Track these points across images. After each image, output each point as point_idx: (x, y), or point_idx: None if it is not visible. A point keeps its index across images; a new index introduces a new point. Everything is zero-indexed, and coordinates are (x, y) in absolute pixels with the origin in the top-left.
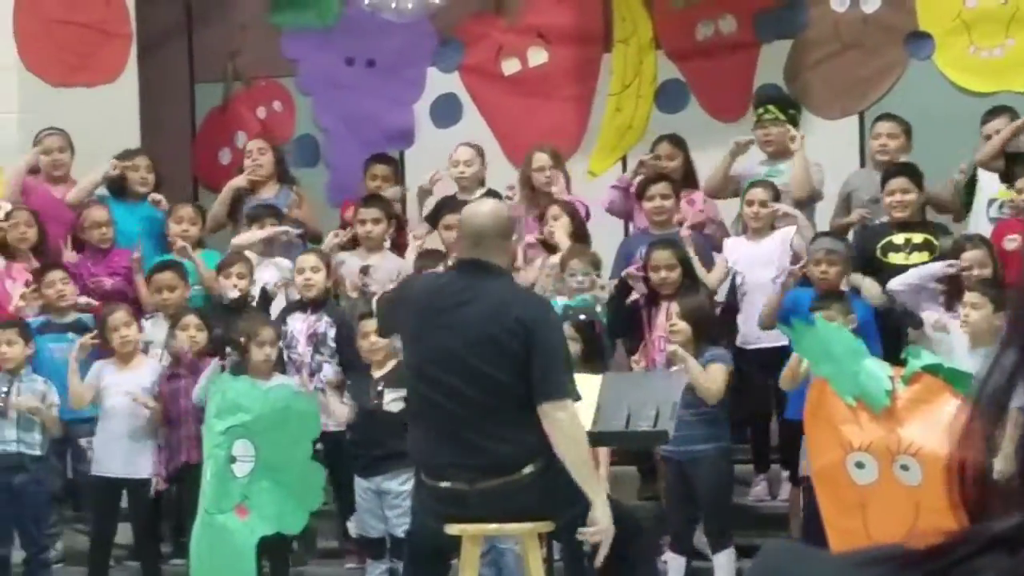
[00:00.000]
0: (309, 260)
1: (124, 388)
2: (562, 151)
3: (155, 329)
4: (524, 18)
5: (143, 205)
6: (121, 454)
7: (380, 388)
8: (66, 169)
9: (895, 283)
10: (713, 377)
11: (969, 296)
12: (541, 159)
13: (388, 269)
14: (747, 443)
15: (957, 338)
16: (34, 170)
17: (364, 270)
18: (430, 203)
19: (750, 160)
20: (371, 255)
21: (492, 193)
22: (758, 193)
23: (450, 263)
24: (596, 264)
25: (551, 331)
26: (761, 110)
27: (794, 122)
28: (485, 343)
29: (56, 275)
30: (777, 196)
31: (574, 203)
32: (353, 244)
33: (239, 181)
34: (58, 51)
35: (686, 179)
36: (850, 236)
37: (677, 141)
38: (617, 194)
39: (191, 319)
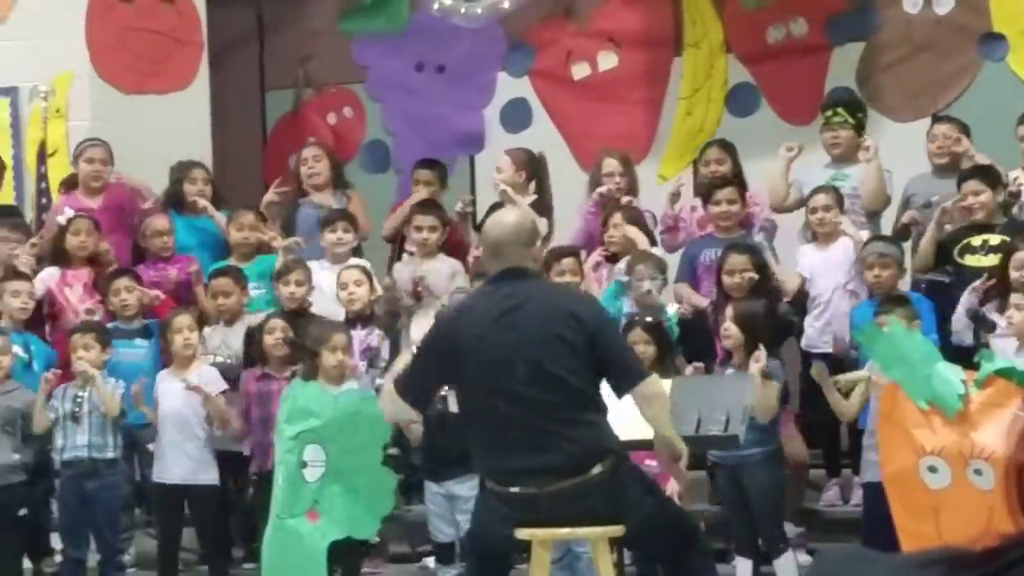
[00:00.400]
0: (352, 275)
1: (178, 393)
2: (632, 155)
3: (212, 336)
4: (594, 22)
5: (201, 218)
6: (179, 461)
7: (443, 393)
8: (104, 181)
9: (956, 336)
10: (769, 394)
11: (1015, 297)
12: (611, 164)
13: (442, 272)
14: (818, 448)
15: (1008, 339)
16: (71, 183)
17: (418, 281)
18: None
19: (811, 164)
20: (424, 262)
21: (546, 203)
22: (821, 199)
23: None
24: (662, 268)
25: (609, 320)
26: (829, 112)
27: (861, 126)
28: (550, 342)
29: (122, 283)
30: (840, 201)
31: (638, 209)
32: (399, 254)
33: (270, 197)
34: (130, 59)
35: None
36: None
37: (726, 145)
38: (668, 236)
39: (277, 322)
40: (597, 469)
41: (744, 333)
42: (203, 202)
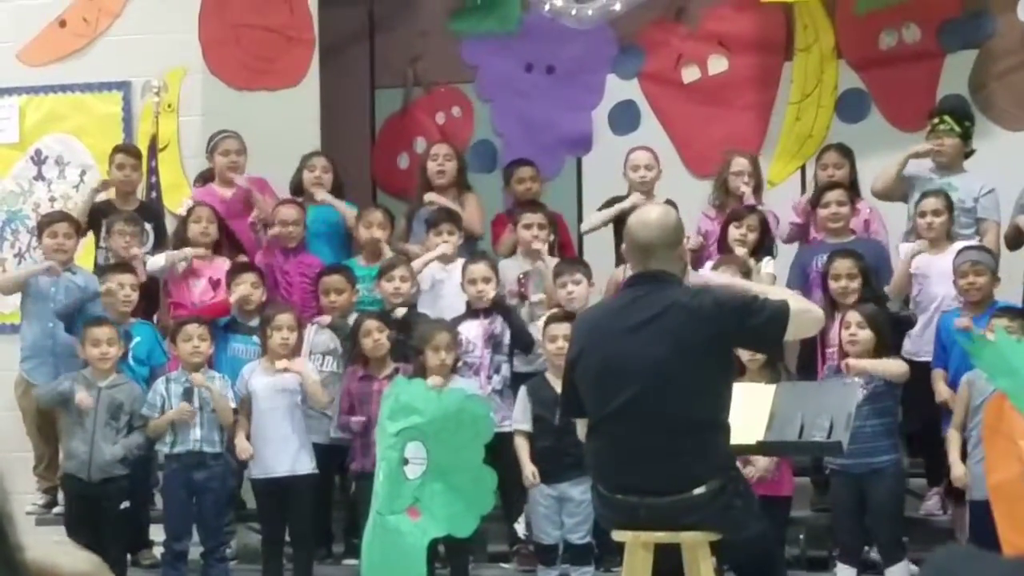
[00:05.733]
0: (481, 270)
1: (272, 391)
2: None
3: (317, 337)
4: (705, 26)
5: (320, 207)
6: (277, 455)
7: None
8: (241, 171)
9: None
10: (894, 363)
11: None
12: (741, 163)
13: (545, 274)
14: (919, 456)
15: None
16: (208, 176)
17: (522, 278)
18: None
19: (922, 164)
20: (528, 261)
21: (670, 202)
22: (931, 203)
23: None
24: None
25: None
26: (936, 120)
27: (968, 135)
28: (677, 358)
29: (247, 277)
30: (951, 206)
31: (763, 215)
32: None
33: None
34: (242, 55)
35: (851, 188)
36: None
37: (844, 150)
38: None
39: (372, 323)
40: (700, 490)
41: (875, 336)
42: (321, 194)
